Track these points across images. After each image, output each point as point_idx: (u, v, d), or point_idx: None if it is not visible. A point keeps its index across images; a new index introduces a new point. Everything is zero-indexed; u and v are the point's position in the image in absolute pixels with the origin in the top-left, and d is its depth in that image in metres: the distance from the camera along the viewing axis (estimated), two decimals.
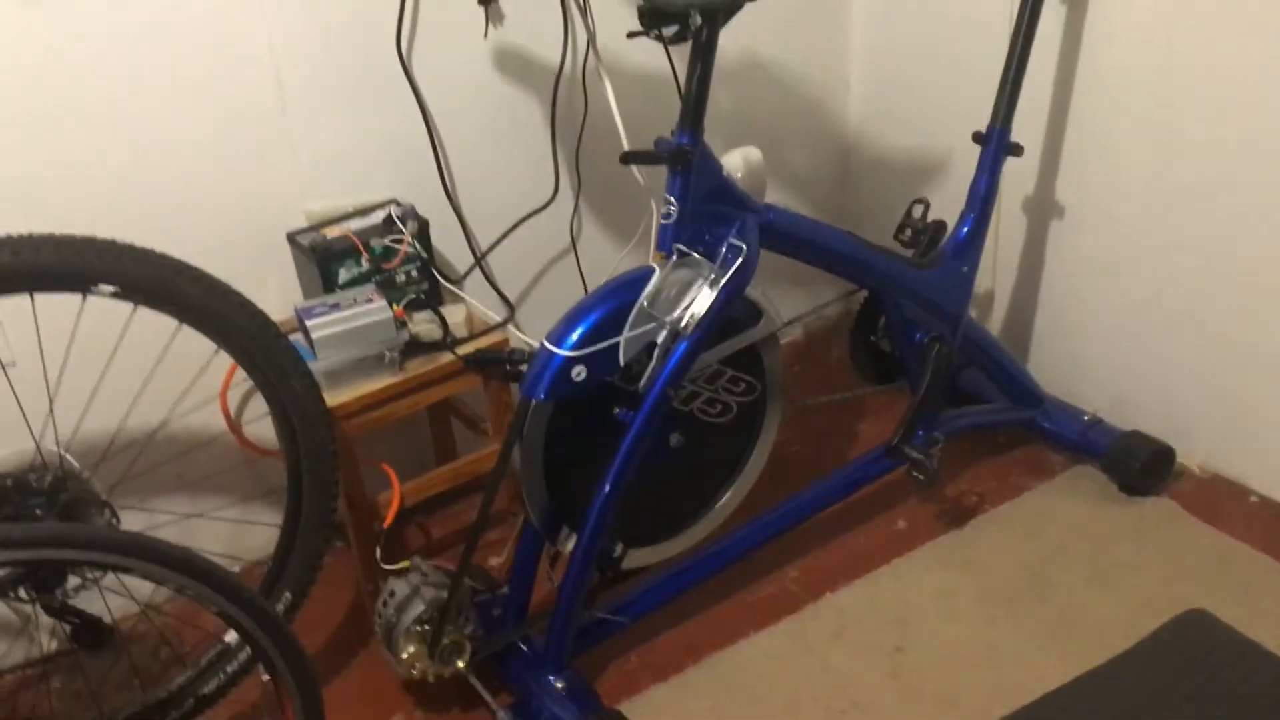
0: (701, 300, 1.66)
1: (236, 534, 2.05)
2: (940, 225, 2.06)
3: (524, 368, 1.77)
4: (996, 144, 2.03)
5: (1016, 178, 2.26)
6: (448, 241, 2.14)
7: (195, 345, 1.66)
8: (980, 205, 2.04)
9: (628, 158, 1.70)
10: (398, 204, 2.00)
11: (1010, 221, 2.33)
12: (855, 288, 2.09)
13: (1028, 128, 2.16)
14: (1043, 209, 2.27)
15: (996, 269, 2.40)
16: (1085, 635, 1.81)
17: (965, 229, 2.04)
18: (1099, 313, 2.24)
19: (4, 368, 1.78)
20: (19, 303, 1.55)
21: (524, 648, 1.81)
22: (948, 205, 2.07)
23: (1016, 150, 2.05)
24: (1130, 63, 2.01)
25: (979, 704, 1.71)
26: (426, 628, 1.70)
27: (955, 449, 2.19)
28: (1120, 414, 2.23)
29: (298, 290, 2.01)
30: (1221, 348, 2.04)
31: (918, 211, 2.06)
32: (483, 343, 1.94)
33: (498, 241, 2.19)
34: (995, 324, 2.45)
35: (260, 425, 2.02)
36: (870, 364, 2.18)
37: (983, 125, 2.03)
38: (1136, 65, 2.01)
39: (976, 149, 2.05)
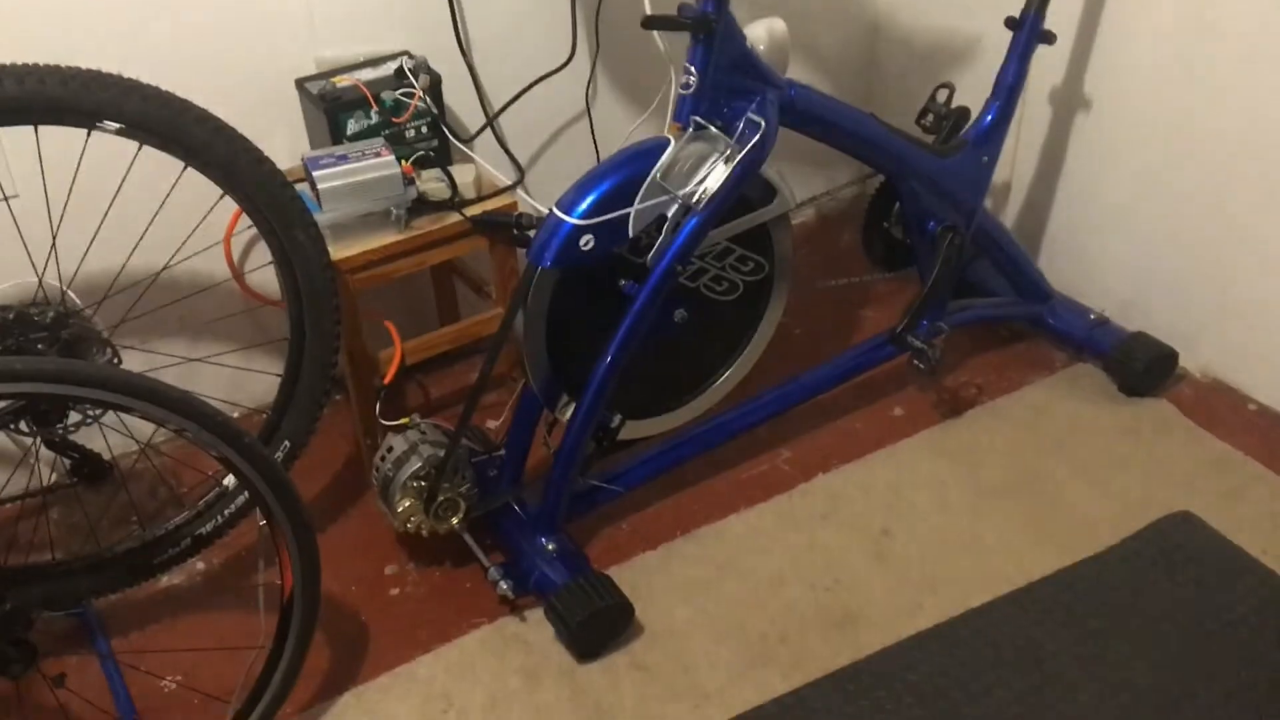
0: (715, 175, 1.63)
1: (237, 380, 2.05)
2: (964, 112, 2.02)
3: (531, 233, 1.76)
4: (1029, 30, 1.97)
5: (1045, 68, 2.20)
6: (459, 99, 2.09)
7: (201, 188, 1.64)
8: (1007, 94, 2.00)
9: (650, 22, 1.65)
10: (410, 56, 1.95)
11: (1034, 113, 2.28)
12: (872, 171, 2.06)
13: (1061, 15, 2.09)
14: (1069, 102, 2.22)
15: (1016, 161, 2.36)
16: (1073, 531, 1.83)
17: (989, 117, 2.00)
18: (1115, 213, 2.20)
19: (7, 200, 1.76)
20: (23, 134, 1.53)
21: (518, 509, 1.83)
22: (973, 92, 2.03)
23: (1049, 38, 1.99)
24: None
25: (961, 590, 1.74)
26: (423, 483, 1.72)
27: (958, 340, 2.19)
28: (1127, 315, 2.22)
29: (305, 140, 1.98)
30: (1235, 255, 2.02)
31: (942, 96, 2.02)
32: (491, 205, 1.92)
33: (510, 102, 2.14)
34: (1010, 217, 2.42)
35: (264, 274, 2.02)
36: (881, 250, 2.15)
37: (1016, 9, 1.97)
38: None
39: (1007, 35, 1.99)
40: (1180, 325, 2.14)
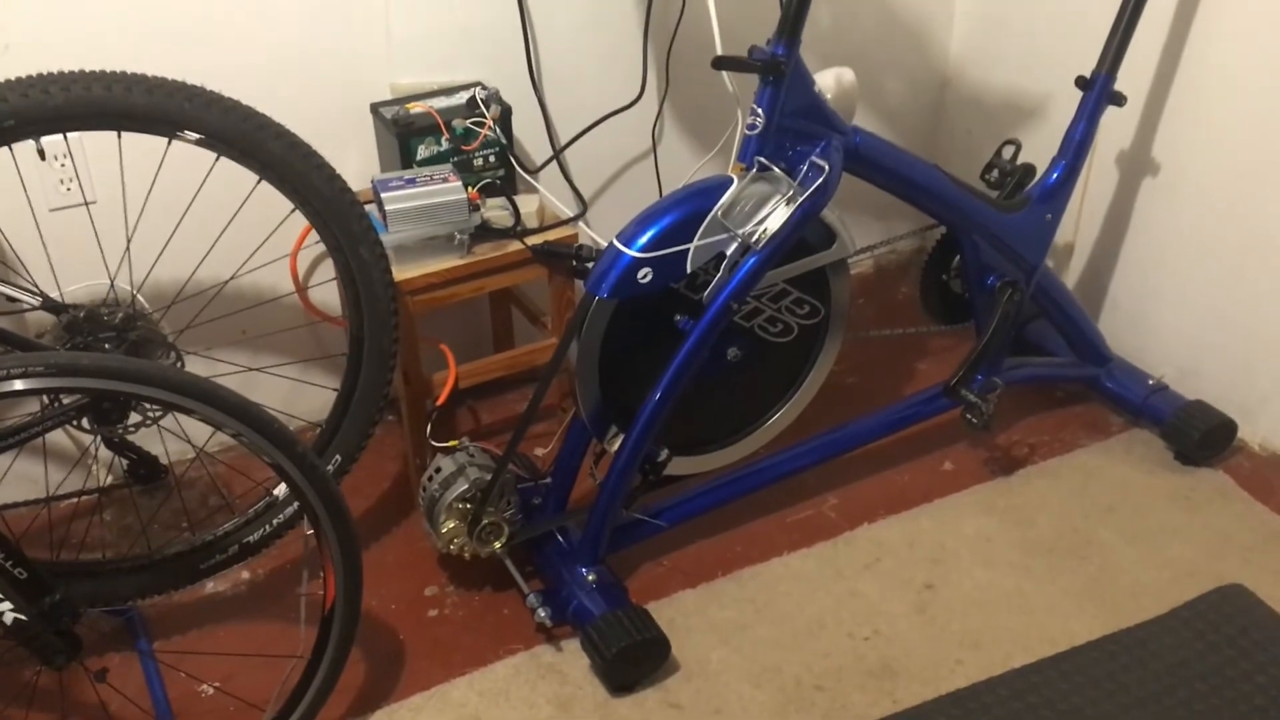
0: (776, 216, 1.64)
1: (294, 394, 2.08)
2: (1029, 169, 2.01)
3: (590, 264, 1.77)
4: (1100, 91, 1.96)
5: (1114, 129, 2.19)
6: (528, 131, 2.13)
7: (272, 203, 1.68)
8: (1074, 153, 1.99)
9: (720, 62, 1.67)
10: (483, 87, 1.99)
11: (1101, 174, 2.27)
12: (933, 222, 2.06)
13: (1132, 79, 2.08)
14: (1136, 165, 2.20)
15: (1080, 221, 2.34)
16: (1120, 596, 1.80)
17: (1055, 175, 1.99)
18: (1179, 278, 2.18)
19: (87, 205, 1.82)
20: (106, 140, 1.57)
21: (560, 539, 1.84)
22: (1039, 150, 2.02)
23: (1119, 100, 1.98)
24: (1246, 26, 1.93)
25: (1003, 649, 1.71)
26: (468, 506, 1.73)
27: (1012, 399, 2.16)
28: (1186, 383, 2.18)
29: (376, 162, 2.02)
30: None
31: (1008, 152, 2.02)
32: (552, 235, 1.94)
33: (578, 136, 2.17)
34: (1071, 277, 2.40)
35: (325, 292, 2.05)
36: (938, 303, 2.14)
37: (1087, 69, 1.97)
38: (1253, 29, 1.92)
39: (1076, 94, 1.99)
40: (1240, 396, 2.10)
